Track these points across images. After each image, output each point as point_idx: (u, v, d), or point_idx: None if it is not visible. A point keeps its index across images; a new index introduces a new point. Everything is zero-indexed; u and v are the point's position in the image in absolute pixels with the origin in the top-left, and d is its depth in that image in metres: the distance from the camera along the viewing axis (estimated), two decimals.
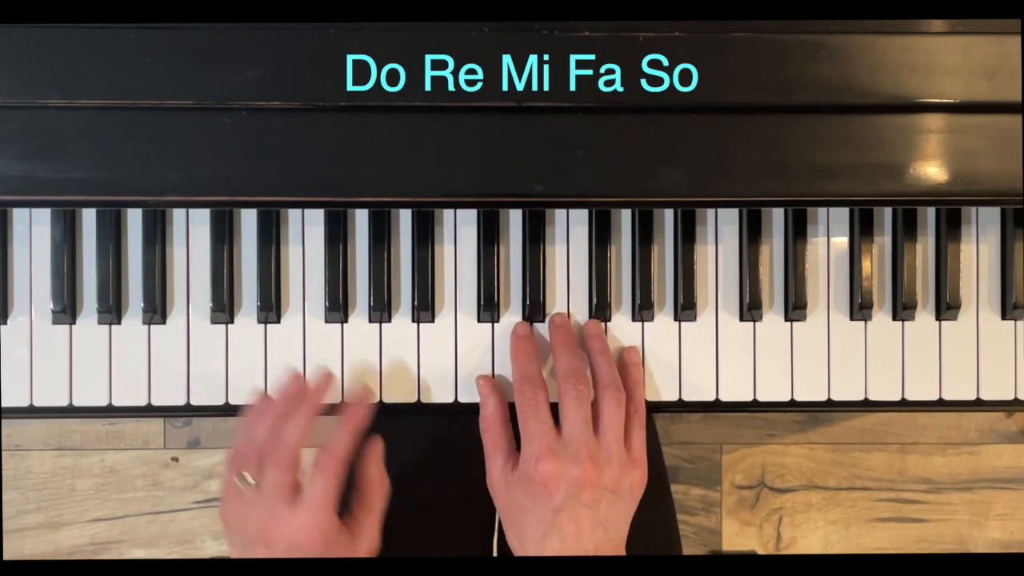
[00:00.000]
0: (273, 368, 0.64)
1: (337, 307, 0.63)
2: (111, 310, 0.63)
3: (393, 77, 0.54)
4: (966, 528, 1.37)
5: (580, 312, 0.65)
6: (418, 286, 0.63)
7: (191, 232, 0.64)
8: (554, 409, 0.60)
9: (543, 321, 0.64)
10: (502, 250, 0.65)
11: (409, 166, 0.55)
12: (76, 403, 0.64)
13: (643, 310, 0.64)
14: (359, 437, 0.60)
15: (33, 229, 0.64)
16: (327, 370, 0.63)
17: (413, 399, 0.64)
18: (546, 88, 0.55)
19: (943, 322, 0.65)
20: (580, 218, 0.65)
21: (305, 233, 0.64)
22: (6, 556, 1.29)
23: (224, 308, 0.63)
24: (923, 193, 0.56)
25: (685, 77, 0.55)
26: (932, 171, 0.56)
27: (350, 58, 0.54)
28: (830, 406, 0.65)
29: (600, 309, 0.64)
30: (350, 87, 0.54)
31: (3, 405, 0.63)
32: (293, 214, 0.64)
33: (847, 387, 0.65)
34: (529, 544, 0.58)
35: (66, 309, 0.63)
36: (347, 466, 0.59)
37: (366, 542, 0.60)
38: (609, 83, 0.55)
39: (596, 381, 0.61)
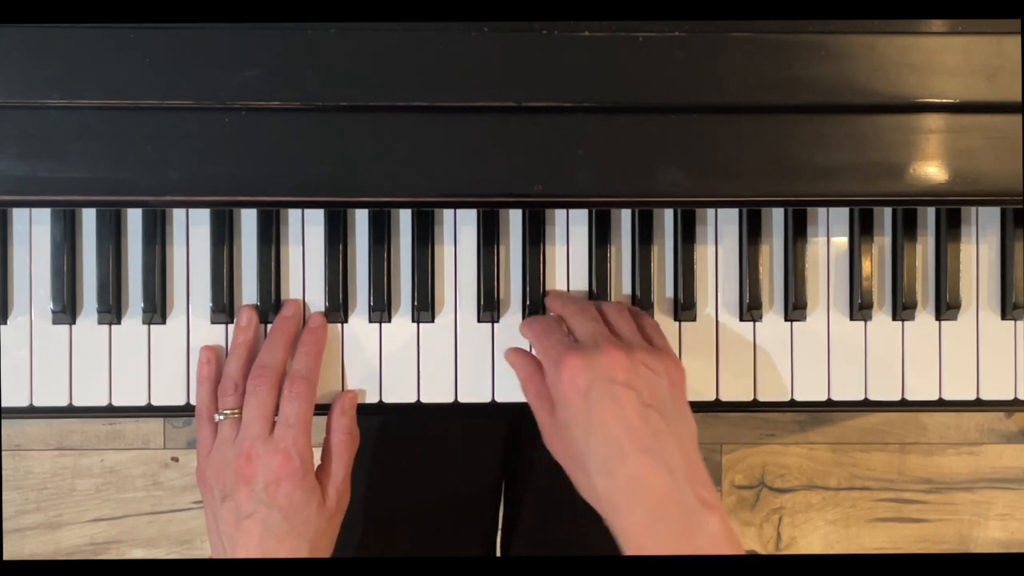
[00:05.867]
0: None
1: (337, 307, 0.63)
2: (111, 310, 0.63)
3: (393, 77, 0.54)
4: (966, 528, 1.37)
5: None
6: (418, 286, 0.63)
7: (191, 232, 0.64)
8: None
9: None
10: (502, 250, 0.65)
11: (409, 166, 0.55)
12: (76, 403, 0.64)
13: (643, 310, 0.64)
14: (320, 358, 0.62)
15: (33, 229, 0.64)
16: (292, 299, 0.64)
17: (413, 399, 0.64)
18: (546, 88, 0.55)
19: (943, 322, 0.65)
20: (580, 218, 0.65)
21: (305, 233, 0.64)
22: (6, 556, 1.29)
23: (224, 308, 0.63)
24: (923, 193, 0.56)
25: (685, 77, 0.55)
26: (932, 171, 0.56)
27: (350, 58, 0.54)
28: (830, 406, 0.65)
29: None
30: (350, 87, 0.54)
31: (3, 405, 0.63)
32: (293, 214, 0.64)
33: (847, 387, 0.65)
34: (585, 459, 0.52)
35: (66, 309, 0.63)
36: (315, 386, 0.61)
37: (335, 490, 0.61)
38: (609, 83, 0.55)
39: (601, 309, 0.60)
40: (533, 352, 0.61)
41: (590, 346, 0.54)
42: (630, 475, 0.50)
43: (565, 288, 0.64)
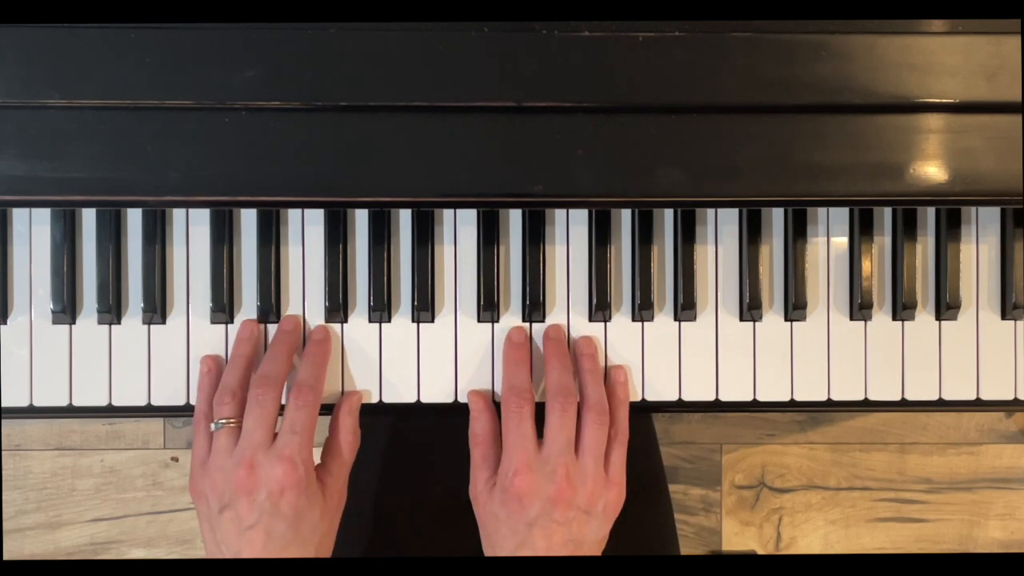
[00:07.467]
0: None
1: (337, 307, 0.63)
2: (111, 310, 0.63)
3: (393, 77, 0.54)
4: (966, 528, 1.37)
5: (580, 312, 0.65)
6: (418, 286, 0.63)
7: (191, 232, 0.64)
8: (539, 416, 0.60)
9: (543, 321, 0.64)
10: (502, 250, 0.65)
11: (409, 166, 0.55)
12: (76, 403, 0.64)
13: (643, 310, 0.64)
14: (325, 370, 0.62)
15: (33, 229, 0.64)
16: (292, 314, 0.64)
17: (413, 399, 0.64)
18: (546, 88, 0.55)
19: (943, 322, 0.65)
20: (580, 218, 0.65)
21: (305, 233, 0.64)
22: (6, 556, 1.29)
23: (224, 308, 0.63)
24: (923, 193, 0.56)
25: (685, 77, 0.55)
26: (932, 171, 0.56)
27: (350, 58, 0.54)
28: (830, 406, 0.65)
29: (600, 309, 0.64)
30: (350, 87, 0.54)
31: (3, 405, 0.63)
32: (293, 214, 0.64)
33: (847, 387, 0.65)
34: (501, 554, 0.59)
35: (66, 309, 0.63)
36: (320, 396, 0.61)
37: (336, 489, 0.61)
38: (609, 83, 0.55)
39: (583, 400, 0.61)
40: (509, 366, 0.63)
41: (548, 472, 0.58)
42: None
43: (566, 289, 0.64)
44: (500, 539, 0.59)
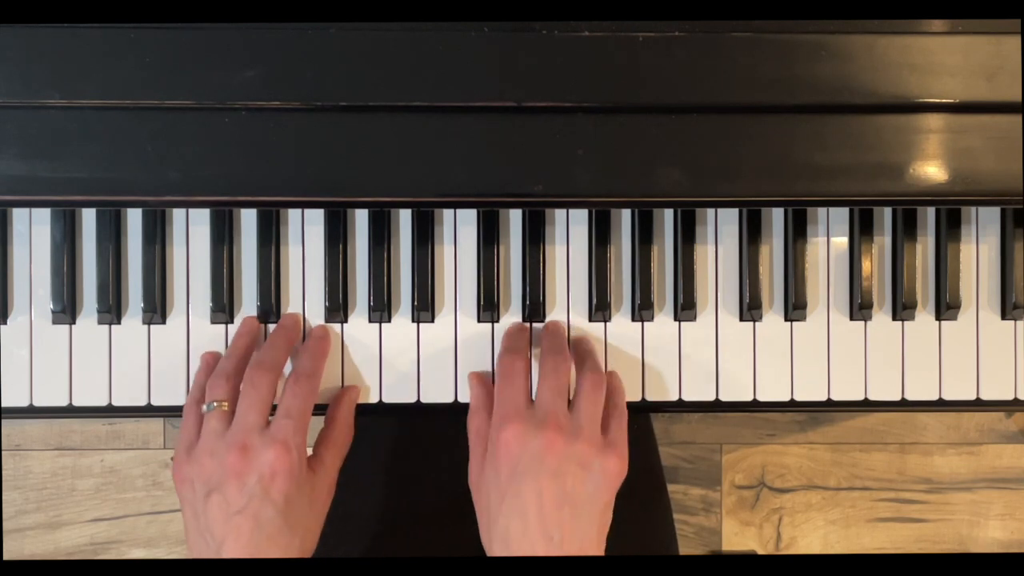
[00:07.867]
0: None
1: (337, 307, 0.63)
2: (111, 310, 0.63)
3: (393, 77, 0.54)
4: (966, 528, 1.37)
5: (580, 312, 0.65)
6: (418, 286, 0.64)
7: (191, 232, 0.64)
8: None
9: (543, 321, 0.64)
10: (502, 250, 0.65)
11: (409, 166, 0.55)
12: (76, 403, 0.64)
13: (643, 310, 0.64)
14: (324, 363, 0.62)
15: (33, 229, 0.64)
16: (292, 311, 0.64)
17: (413, 399, 0.64)
18: (546, 88, 0.55)
19: (943, 322, 0.65)
20: (580, 218, 0.65)
21: (305, 233, 0.64)
22: (6, 556, 1.30)
23: (224, 308, 0.63)
24: (923, 193, 0.56)
25: (685, 77, 0.55)
26: (932, 171, 0.56)
27: (350, 58, 0.54)
28: (830, 406, 0.65)
29: (600, 309, 0.64)
30: (350, 87, 0.54)
31: (3, 405, 0.63)
32: (293, 214, 0.64)
33: (847, 387, 0.65)
34: (491, 522, 0.55)
35: (66, 309, 0.63)
36: (318, 387, 0.60)
37: (326, 482, 0.60)
38: (609, 83, 0.55)
39: (579, 366, 0.60)
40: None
41: (538, 420, 0.56)
42: (524, 552, 0.53)
43: (566, 289, 0.65)
44: (491, 506, 0.55)
